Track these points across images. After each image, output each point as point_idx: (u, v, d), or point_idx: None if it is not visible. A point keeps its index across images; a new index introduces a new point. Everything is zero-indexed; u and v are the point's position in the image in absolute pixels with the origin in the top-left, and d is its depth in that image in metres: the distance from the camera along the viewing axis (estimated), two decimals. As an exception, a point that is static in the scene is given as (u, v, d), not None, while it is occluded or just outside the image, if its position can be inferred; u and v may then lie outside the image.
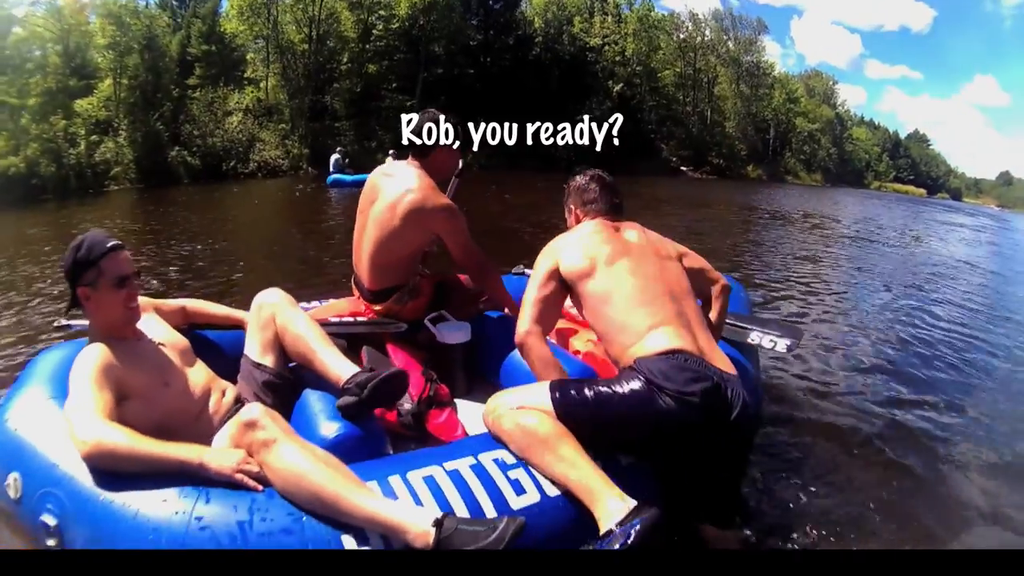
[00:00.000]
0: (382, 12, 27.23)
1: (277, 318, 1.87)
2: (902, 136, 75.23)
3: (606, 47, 30.63)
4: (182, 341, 1.81)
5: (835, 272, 6.48)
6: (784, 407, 3.07)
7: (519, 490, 1.57)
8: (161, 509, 1.30)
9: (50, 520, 1.35)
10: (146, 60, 25.87)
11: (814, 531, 2.09)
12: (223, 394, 1.73)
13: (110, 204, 18.07)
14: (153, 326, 1.79)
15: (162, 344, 1.73)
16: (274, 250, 7.30)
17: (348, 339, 2.17)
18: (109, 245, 1.62)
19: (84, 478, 1.35)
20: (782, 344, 2.16)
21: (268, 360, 1.84)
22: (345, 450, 1.55)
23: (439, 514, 1.32)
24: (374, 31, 27.15)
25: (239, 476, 1.36)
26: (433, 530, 1.25)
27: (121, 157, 24.42)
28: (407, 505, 1.38)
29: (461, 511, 1.49)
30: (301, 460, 1.35)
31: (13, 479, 1.44)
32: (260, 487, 1.35)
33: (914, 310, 5.29)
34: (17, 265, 6.05)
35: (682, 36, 35.99)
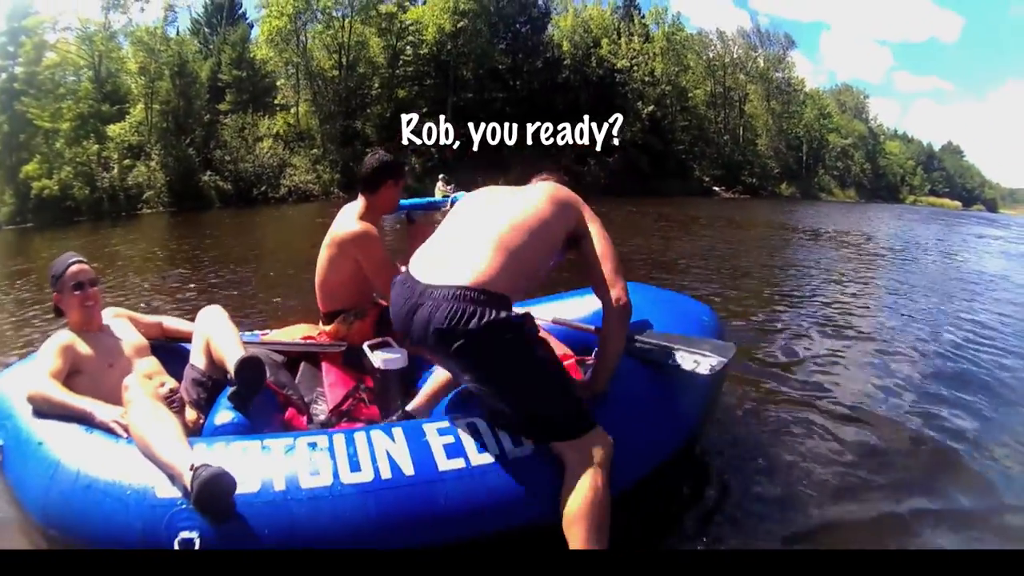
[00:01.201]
0: (410, 38, 28.02)
1: (208, 329, 2.26)
2: (935, 148, 74.70)
3: (635, 68, 30.91)
4: (140, 341, 2.35)
5: (867, 289, 6.67)
6: (800, 418, 3.06)
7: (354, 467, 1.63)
8: (61, 439, 1.79)
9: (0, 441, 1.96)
10: (177, 86, 26.49)
11: (815, 530, 2.13)
12: (162, 384, 2.13)
13: (142, 226, 18.40)
14: (120, 327, 2.37)
15: (120, 339, 2.30)
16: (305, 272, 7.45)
17: (288, 357, 2.48)
18: (70, 261, 2.27)
19: (25, 414, 1.93)
20: (705, 364, 2.01)
21: (200, 362, 2.24)
22: (226, 431, 1.92)
23: (199, 463, 1.53)
24: (403, 56, 27.92)
25: (111, 424, 1.82)
26: (191, 472, 1.50)
27: (153, 181, 25.00)
28: (185, 454, 1.60)
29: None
30: (139, 416, 1.74)
31: None
32: (124, 434, 1.78)
33: (946, 326, 5.17)
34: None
35: (711, 55, 37.31)
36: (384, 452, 1.66)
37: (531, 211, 1.78)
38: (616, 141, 28.74)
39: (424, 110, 26.48)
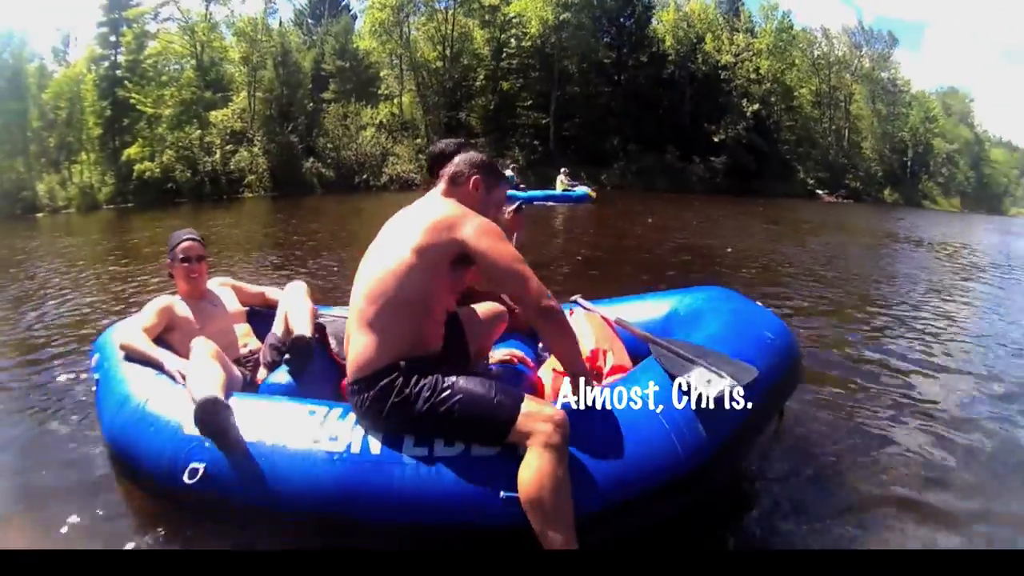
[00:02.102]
0: (514, 30, 27.98)
1: (287, 302, 2.56)
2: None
3: (739, 65, 30.30)
4: (236, 308, 2.76)
5: (969, 310, 5.98)
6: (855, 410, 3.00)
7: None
8: (134, 378, 2.23)
9: (96, 375, 2.45)
10: (280, 75, 26.90)
11: (814, 531, 2.11)
12: (244, 345, 2.64)
13: (244, 209, 18.92)
14: (224, 295, 2.77)
15: (217, 306, 2.70)
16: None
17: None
18: (184, 237, 2.68)
19: (117, 357, 2.41)
20: (717, 386, 1.83)
21: (279, 330, 2.55)
22: (277, 391, 2.25)
23: (212, 396, 1.86)
24: (506, 49, 27.89)
25: (174, 372, 2.23)
26: (193, 403, 1.85)
27: (255, 166, 25.50)
28: (205, 395, 1.87)
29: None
30: (191, 367, 2.11)
31: (96, 357, 2.56)
32: (182, 381, 2.16)
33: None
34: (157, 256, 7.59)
35: (816, 53, 35.74)
36: (360, 429, 1.83)
37: (392, 266, 1.79)
38: (717, 139, 28.34)
39: (528, 103, 26.94)
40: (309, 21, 34.13)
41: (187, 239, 2.65)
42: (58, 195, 33.23)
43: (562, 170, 16.76)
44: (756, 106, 28.57)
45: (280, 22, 32.72)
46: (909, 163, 37.31)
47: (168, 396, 2.13)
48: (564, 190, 15.88)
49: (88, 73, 33.65)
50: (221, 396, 1.90)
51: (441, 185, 1.98)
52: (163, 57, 30.96)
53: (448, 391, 1.71)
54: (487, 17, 27.68)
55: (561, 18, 26.48)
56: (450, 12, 27.46)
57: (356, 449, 1.77)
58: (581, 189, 15.91)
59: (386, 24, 27.45)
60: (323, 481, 1.75)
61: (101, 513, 2.12)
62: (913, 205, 35.47)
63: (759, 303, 2.57)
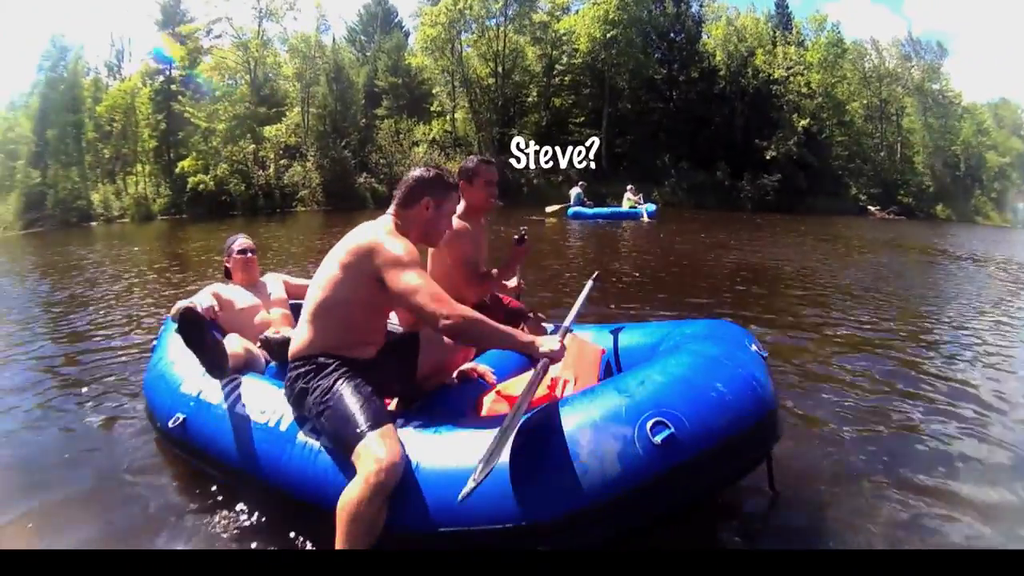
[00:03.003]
0: (565, 47, 28.22)
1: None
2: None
3: (790, 79, 30.22)
4: (280, 296, 3.21)
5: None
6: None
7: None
8: (173, 342, 2.76)
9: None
10: (334, 91, 27.44)
11: (815, 530, 2.19)
12: (277, 332, 2.83)
13: (296, 222, 19.30)
14: (272, 285, 3.25)
15: (263, 293, 3.16)
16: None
17: None
18: (240, 237, 3.26)
19: (170, 329, 2.86)
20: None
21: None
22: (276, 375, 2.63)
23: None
24: (558, 65, 28.17)
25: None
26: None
27: (309, 180, 25.96)
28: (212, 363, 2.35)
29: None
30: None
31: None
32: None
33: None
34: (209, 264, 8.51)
35: (867, 65, 34.43)
36: (283, 406, 2.17)
37: (325, 275, 2.09)
38: (769, 156, 28.42)
39: (580, 120, 27.32)
40: (362, 38, 34.71)
41: (243, 238, 3.29)
42: (113, 205, 34.29)
43: (628, 187, 17.05)
44: (807, 121, 28.60)
45: (333, 39, 33.08)
46: (962, 177, 37.01)
47: (181, 361, 2.62)
48: (631, 207, 16.30)
49: (143, 87, 34.05)
50: (222, 340, 2.53)
51: (392, 207, 2.21)
52: (218, 72, 32.16)
53: (329, 398, 1.95)
54: (538, 34, 28.03)
55: (609, 35, 26.77)
56: (501, 29, 27.77)
57: (275, 424, 2.12)
58: (647, 206, 16.19)
59: (438, 41, 27.78)
60: (247, 444, 2.15)
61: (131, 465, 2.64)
62: (966, 220, 35.10)
63: (756, 347, 2.28)
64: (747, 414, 1.83)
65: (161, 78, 33.55)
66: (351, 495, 1.72)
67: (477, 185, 2.95)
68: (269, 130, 28.10)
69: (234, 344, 2.57)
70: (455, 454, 1.77)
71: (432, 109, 28.07)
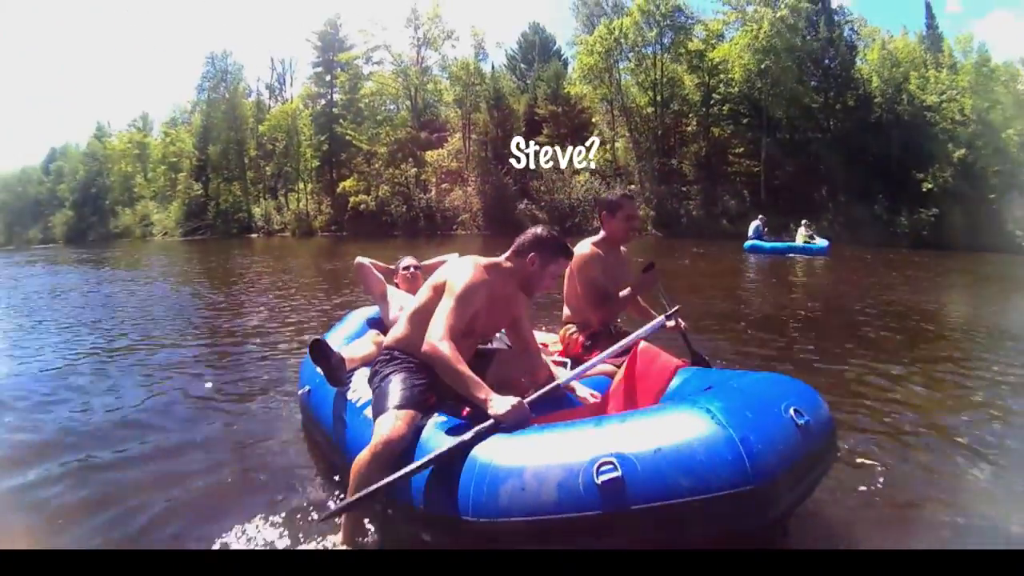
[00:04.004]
0: (722, 76, 27.79)
1: None
2: None
3: (943, 105, 28.67)
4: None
5: None
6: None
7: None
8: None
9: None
10: (494, 117, 28.21)
11: (813, 530, 2.23)
12: None
13: (456, 244, 19.45)
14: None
15: (408, 296, 3.43)
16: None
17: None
18: (407, 257, 3.73)
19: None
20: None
21: None
22: None
23: (321, 339, 2.78)
24: (715, 94, 27.74)
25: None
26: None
27: (469, 205, 27.00)
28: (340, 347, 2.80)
29: None
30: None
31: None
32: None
33: None
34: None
35: (1020, 88, 34.11)
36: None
37: (425, 289, 2.46)
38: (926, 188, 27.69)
39: (740, 150, 27.04)
40: (522, 66, 35.56)
41: (409, 258, 3.76)
42: (274, 219, 35.42)
43: (803, 222, 16.92)
44: (963, 151, 27.87)
45: (492, 66, 34.05)
46: None
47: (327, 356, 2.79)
48: (805, 242, 16.05)
49: (304, 109, 36.10)
50: (337, 350, 2.77)
51: (508, 251, 2.47)
52: (378, 97, 33.22)
53: (383, 381, 2.30)
54: (694, 62, 28.04)
55: (763, 64, 26.72)
56: (658, 57, 27.90)
57: (355, 400, 2.53)
58: (820, 242, 15.95)
59: (596, 69, 28.05)
60: (334, 415, 2.63)
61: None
62: None
63: (796, 413, 1.90)
64: (714, 479, 1.65)
65: (323, 101, 35.66)
66: (359, 456, 2.07)
67: (619, 217, 3.13)
68: (431, 154, 29.08)
69: (366, 348, 2.95)
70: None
71: (592, 137, 28.13)
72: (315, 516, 2.28)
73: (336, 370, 2.70)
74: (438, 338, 2.16)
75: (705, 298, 8.56)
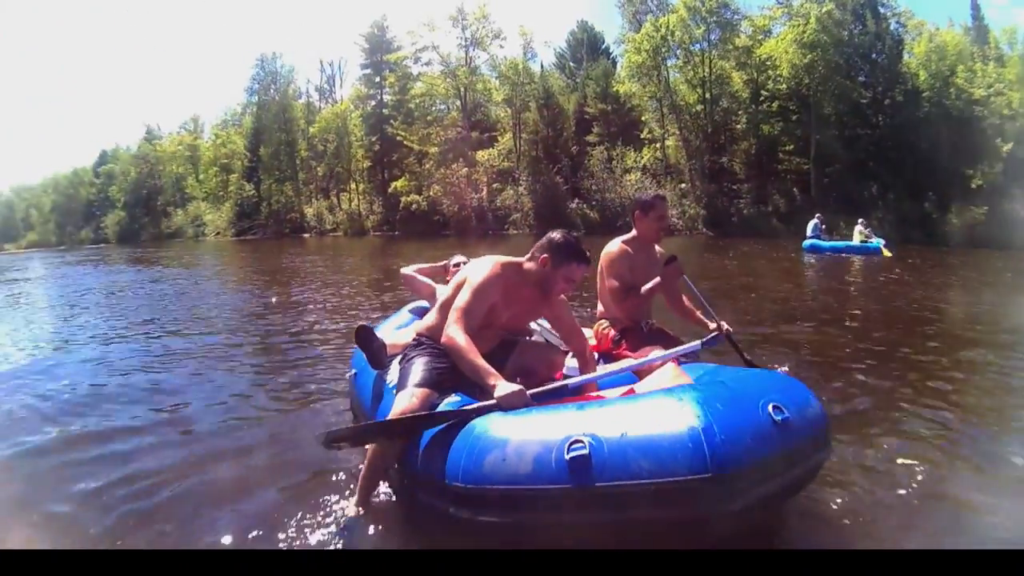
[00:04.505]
0: (769, 72, 27.82)
1: None
2: None
3: (991, 99, 28.16)
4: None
5: None
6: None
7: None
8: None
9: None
10: (544, 117, 28.30)
11: (814, 530, 2.25)
12: None
13: (508, 244, 19.97)
14: None
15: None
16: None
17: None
18: (456, 255, 4.00)
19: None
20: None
21: None
22: None
23: (366, 324, 2.94)
24: (763, 91, 27.72)
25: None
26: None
27: (520, 204, 27.17)
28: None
29: None
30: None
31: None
32: None
33: None
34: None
35: None
36: None
37: (454, 283, 2.66)
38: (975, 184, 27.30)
39: (789, 147, 26.89)
40: (571, 64, 35.40)
41: (460, 255, 3.95)
42: (326, 219, 35.95)
43: (860, 221, 16.76)
44: (1011, 145, 27.56)
45: (541, 65, 34.07)
46: None
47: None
48: (862, 242, 15.99)
49: (354, 110, 36.70)
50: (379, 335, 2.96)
51: (528, 253, 2.63)
52: (428, 98, 33.37)
53: (408, 362, 2.52)
54: (742, 59, 28.06)
55: (808, 59, 26.74)
56: (706, 55, 27.92)
57: (389, 380, 2.72)
58: (877, 241, 15.84)
59: (644, 67, 28.14)
60: (372, 396, 2.81)
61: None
62: None
63: (775, 409, 1.95)
64: (673, 464, 1.74)
65: (373, 102, 35.84)
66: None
67: (651, 217, 3.25)
68: (482, 154, 29.29)
69: (408, 336, 3.01)
70: (469, 428, 2.10)
71: (642, 136, 28.50)
72: (351, 487, 2.51)
73: (377, 354, 2.92)
74: (453, 328, 2.39)
75: (762, 299, 8.50)
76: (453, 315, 2.42)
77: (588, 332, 3.25)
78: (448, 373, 2.43)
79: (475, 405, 2.20)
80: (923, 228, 24.50)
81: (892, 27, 30.22)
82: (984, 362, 4.78)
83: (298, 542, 2.17)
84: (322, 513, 2.36)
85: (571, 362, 2.88)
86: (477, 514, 1.97)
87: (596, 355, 3.08)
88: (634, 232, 3.29)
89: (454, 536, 2.09)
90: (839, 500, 2.41)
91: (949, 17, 34.27)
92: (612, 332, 3.22)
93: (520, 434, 1.96)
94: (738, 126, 27.22)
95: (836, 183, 26.11)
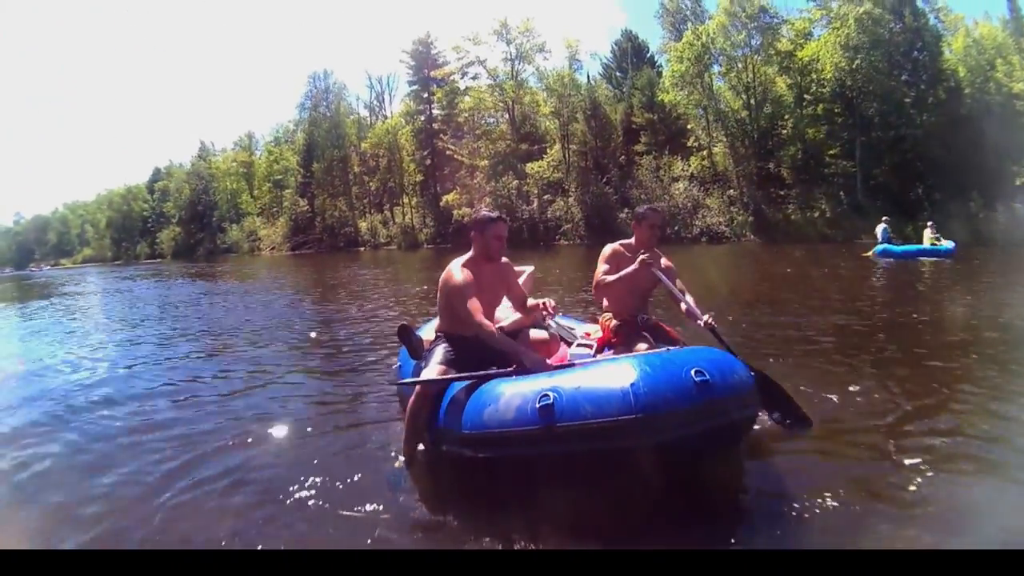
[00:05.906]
0: (812, 75, 27.84)
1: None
2: None
3: None
4: (518, 295, 3.59)
5: None
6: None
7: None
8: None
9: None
10: (592, 127, 28.82)
11: (814, 530, 2.27)
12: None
13: (559, 254, 20.24)
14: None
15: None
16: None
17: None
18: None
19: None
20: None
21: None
22: None
23: (406, 324, 3.68)
24: (807, 95, 27.78)
25: None
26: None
27: (571, 215, 27.67)
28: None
29: None
30: None
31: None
32: None
33: None
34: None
35: None
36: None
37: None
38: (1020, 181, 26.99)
39: (835, 151, 26.96)
40: (617, 74, 35.45)
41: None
42: (380, 232, 37.00)
43: (929, 223, 16.75)
44: None
45: (588, 76, 34.34)
46: None
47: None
48: (931, 244, 15.94)
49: (405, 126, 37.72)
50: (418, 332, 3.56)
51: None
52: (476, 111, 33.87)
53: (429, 351, 3.15)
54: (784, 63, 28.18)
55: (853, 63, 26.85)
56: (748, 60, 28.13)
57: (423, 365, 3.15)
58: (947, 244, 15.82)
59: (687, 75, 28.34)
60: (414, 375, 3.27)
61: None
62: None
63: (697, 373, 2.42)
64: (608, 408, 2.32)
65: (422, 117, 36.76)
66: (410, 403, 3.00)
67: (644, 226, 3.63)
68: (532, 166, 29.78)
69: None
70: (477, 392, 2.77)
71: (689, 144, 28.71)
72: (399, 461, 3.07)
73: (415, 347, 3.51)
74: (476, 322, 2.96)
75: (837, 312, 7.76)
76: (470, 316, 2.99)
77: (595, 326, 4.02)
78: (458, 358, 3.08)
79: (495, 371, 2.86)
80: (968, 227, 23.93)
81: (931, 22, 29.02)
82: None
83: (363, 482, 2.83)
84: (380, 461, 3.14)
85: (575, 350, 3.67)
86: (480, 452, 2.64)
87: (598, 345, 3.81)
88: (633, 238, 3.75)
89: (467, 473, 2.77)
90: (839, 500, 2.52)
91: (985, 10, 33.88)
92: (612, 323, 3.71)
93: (509, 392, 2.61)
94: (784, 131, 27.27)
95: (882, 185, 26.07)
